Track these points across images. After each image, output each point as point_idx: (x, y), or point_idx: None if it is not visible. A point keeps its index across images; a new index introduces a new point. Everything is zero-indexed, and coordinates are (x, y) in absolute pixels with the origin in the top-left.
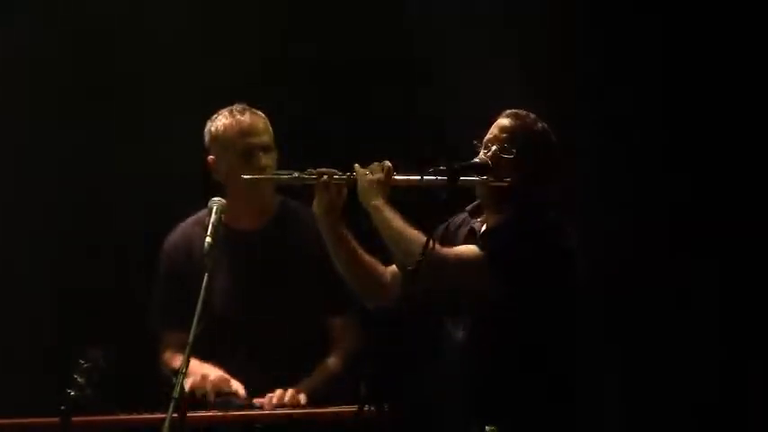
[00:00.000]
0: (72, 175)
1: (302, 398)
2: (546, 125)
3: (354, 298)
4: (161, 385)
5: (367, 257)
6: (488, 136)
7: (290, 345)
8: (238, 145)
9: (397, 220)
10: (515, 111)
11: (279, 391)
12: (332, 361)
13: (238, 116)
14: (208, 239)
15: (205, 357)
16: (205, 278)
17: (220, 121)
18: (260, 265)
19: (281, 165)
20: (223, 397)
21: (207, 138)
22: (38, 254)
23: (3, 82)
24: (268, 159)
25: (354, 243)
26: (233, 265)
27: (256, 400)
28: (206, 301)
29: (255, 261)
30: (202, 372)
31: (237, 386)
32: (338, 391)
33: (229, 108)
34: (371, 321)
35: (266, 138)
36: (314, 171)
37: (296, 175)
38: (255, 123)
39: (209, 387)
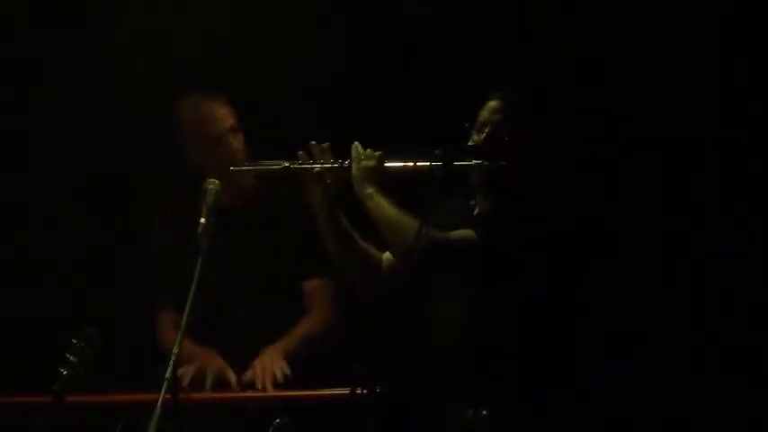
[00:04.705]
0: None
1: (285, 366)
2: (538, 104)
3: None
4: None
5: (362, 245)
6: (480, 119)
7: (278, 318)
8: (205, 134)
9: (390, 208)
10: (506, 91)
11: (260, 369)
12: (305, 323)
13: (200, 105)
14: (202, 220)
15: (197, 335)
16: (198, 260)
17: (184, 112)
18: (243, 242)
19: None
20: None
21: (175, 129)
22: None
23: None
24: (237, 142)
25: (349, 230)
26: (217, 244)
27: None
28: (200, 282)
29: (238, 238)
30: (200, 363)
31: (232, 376)
32: (319, 361)
33: (191, 96)
34: (363, 302)
35: (231, 121)
36: (304, 156)
37: (286, 165)
38: (218, 109)
39: (207, 385)
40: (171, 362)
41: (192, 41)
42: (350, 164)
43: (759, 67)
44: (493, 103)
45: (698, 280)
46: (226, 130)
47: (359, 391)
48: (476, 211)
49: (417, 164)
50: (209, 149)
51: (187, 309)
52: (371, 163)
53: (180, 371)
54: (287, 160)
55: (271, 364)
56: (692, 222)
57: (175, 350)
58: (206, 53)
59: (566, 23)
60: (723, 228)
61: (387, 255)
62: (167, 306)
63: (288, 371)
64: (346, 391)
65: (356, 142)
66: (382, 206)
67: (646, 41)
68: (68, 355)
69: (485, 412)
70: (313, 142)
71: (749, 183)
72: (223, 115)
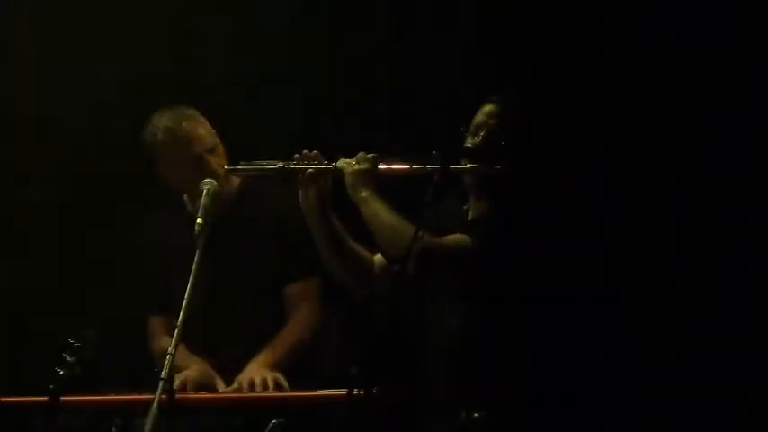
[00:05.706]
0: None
1: (281, 378)
2: (534, 107)
3: (315, 265)
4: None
5: (354, 247)
6: (475, 122)
7: (263, 321)
8: (184, 158)
9: (385, 211)
10: (502, 94)
11: (253, 380)
12: (290, 328)
13: (177, 126)
14: (199, 220)
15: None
16: (195, 259)
17: (160, 135)
18: (225, 249)
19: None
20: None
21: (148, 148)
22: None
23: None
24: (216, 161)
25: (342, 232)
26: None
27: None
28: (195, 283)
29: (220, 246)
30: (187, 372)
31: (221, 384)
32: (308, 363)
33: (164, 118)
34: (360, 305)
35: (208, 141)
36: (299, 158)
37: (281, 165)
38: (195, 130)
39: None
40: (167, 362)
41: (191, 42)
42: None
43: (759, 66)
44: (489, 107)
45: (698, 280)
46: (205, 151)
47: (356, 393)
48: (469, 214)
49: (413, 166)
50: (187, 170)
51: (183, 308)
52: (365, 166)
53: None
54: (281, 160)
55: (262, 380)
56: (693, 222)
57: (171, 350)
58: (204, 53)
59: (567, 23)
60: (723, 227)
61: (378, 256)
62: (157, 310)
63: (272, 385)
64: (343, 392)
65: (341, 159)
66: (377, 210)
67: (645, 41)
68: (66, 356)
69: (476, 414)
70: (305, 151)
71: (749, 182)
72: (201, 136)
